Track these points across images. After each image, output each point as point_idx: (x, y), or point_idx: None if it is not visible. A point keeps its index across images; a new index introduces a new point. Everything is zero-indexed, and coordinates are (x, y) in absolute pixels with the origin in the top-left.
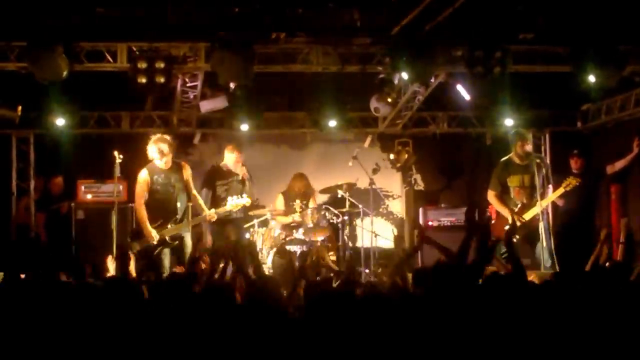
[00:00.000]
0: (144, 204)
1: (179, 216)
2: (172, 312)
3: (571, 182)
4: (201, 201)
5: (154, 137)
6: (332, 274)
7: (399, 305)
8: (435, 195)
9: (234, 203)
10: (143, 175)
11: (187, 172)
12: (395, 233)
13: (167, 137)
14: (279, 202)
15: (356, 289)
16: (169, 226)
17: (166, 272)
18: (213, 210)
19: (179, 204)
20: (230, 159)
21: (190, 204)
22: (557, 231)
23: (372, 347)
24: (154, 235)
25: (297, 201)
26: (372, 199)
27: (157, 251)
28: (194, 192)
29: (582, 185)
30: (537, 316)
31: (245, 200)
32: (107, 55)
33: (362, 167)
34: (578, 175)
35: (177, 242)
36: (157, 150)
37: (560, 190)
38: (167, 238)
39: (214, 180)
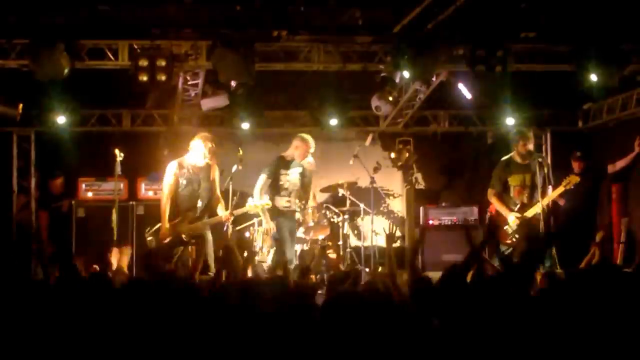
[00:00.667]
0: (170, 200)
1: (198, 215)
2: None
3: (572, 181)
4: (222, 203)
5: (202, 134)
6: (332, 272)
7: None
8: (436, 194)
9: (253, 204)
10: (172, 169)
11: (215, 173)
12: (387, 231)
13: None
14: None
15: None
16: (187, 223)
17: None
18: (228, 211)
19: (199, 203)
20: (298, 150)
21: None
22: (557, 231)
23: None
24: (167, 234)
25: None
26: (373, 197)
27: (172, 249)
28: (218, 193)
29: (583, 185)
30: (533, 317)
31: (265, 202)
32: (108, 53)
33: (363, 165)
34: (578, 173)
35: (194, 240)
36: (209, 149)
37: (561, 189)
38: (183, 236)
39: (279, 168)
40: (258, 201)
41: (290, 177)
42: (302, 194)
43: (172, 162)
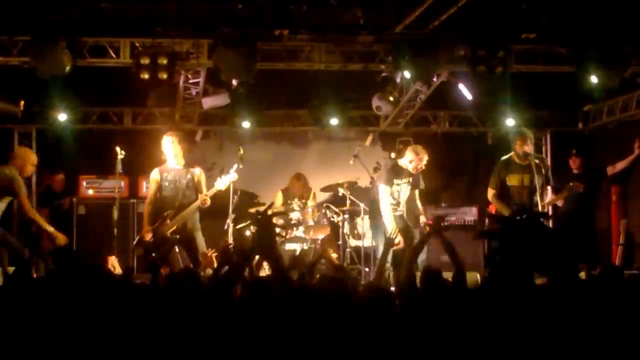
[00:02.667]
0: (151, 203)
1: (176, 211)
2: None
3: (575, 188)
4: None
5: (168, 135)
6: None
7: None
8: (436, 194)
9: (224, 181)
10: (154, 176)
11: (198, 174)
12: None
13: (175, 135)
14: (279, 199)
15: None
16: (168, 222)
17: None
18: (202, 195)
19: (181, 200)
20: (412, 163)
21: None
22: (556, 232)
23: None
24: (147, 233)
25: (296, 200)
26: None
27: (160, 250)
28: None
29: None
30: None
31: (233, 176)
32: (110, 50)
33: (363, 165)
34: (578, 174)
35: (178, 235)
36: (182, 150)
37: (564, 194)
38: (167, 234)
39: (393, 177)
40: (226, 179)
41: (401, 188)
42: (411, 205)
43: (154, 170)
